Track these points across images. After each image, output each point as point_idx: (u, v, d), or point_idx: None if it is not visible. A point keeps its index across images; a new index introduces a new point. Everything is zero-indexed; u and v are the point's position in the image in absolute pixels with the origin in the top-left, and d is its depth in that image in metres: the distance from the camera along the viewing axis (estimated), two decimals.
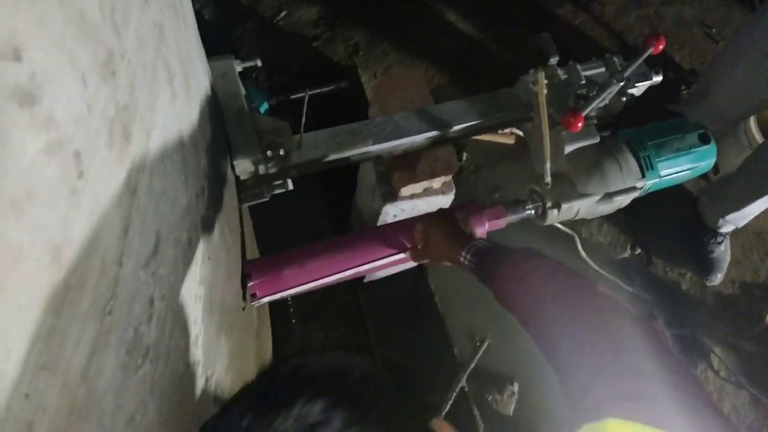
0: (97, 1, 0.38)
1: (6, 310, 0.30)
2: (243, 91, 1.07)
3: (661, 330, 0.61)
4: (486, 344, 1.75)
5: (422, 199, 1.32)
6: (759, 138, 1.89)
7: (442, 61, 2.15)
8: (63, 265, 0.35)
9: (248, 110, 1.05)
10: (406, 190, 1.28)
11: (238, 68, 1.10)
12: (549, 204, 1.13)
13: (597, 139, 1.15)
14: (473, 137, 1.89)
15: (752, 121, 1.91)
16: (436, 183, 1.30)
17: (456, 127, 1.16)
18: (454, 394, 1.66)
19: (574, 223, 1.96)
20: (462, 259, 0.91)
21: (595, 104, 1.09)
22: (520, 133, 1.95)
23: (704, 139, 1.20)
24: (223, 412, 0.48)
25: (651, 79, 1.24)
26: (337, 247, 1.10)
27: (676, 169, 1.18)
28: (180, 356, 0.64)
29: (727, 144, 1.99)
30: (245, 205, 1.16)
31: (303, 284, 1.06)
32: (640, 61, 1.09)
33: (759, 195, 1.70)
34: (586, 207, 1.16)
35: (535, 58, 1.22)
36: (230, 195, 0.99)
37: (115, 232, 0.42)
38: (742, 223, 1.87)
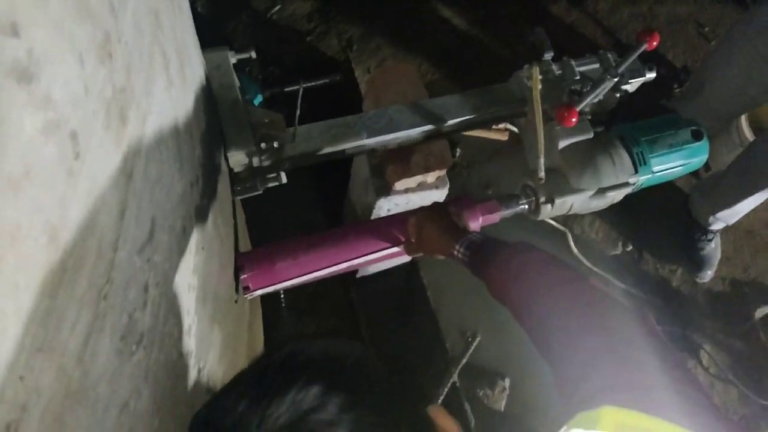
0: None
1: (3, 290, 0.30)
2: (237, 82, 1.07)
3: (653, 323, 0.62)
4: (478, 340, 1.76)
5: (416, 194, 1.32)
6: (750, 136, 1.91)
7: (436, 56, 2.16)
8: (60, 246, 0.34)
9: (242, 102, 1.05)
10: (400, 184, 1.27)
11: (233, 60, 1.09)
12: (542, 199, 1.14)
13: (591, 135, 1.15)
14: (467, 133, 1.90)
15: (744, 120, 1.93)
16: (430, 177, 1.30)
17: (450, 122, 1.17)
18: (446, 389, 1.67)
19: (567, 220, 1.97)
20: (456, 253, 0.91)
21: (589, 100, 1.10)
22: (514, 128, 1.96)
23: (697, 136, 1.21)
24: (218, 398, 0.48)
25: (644, 75, 1.25)
26: (331, 240, 1.10)
27: (668, 165, 1.19)
28: (173, 345, 0.63)
29: (718, 142, 2.01)
30: (238, 198, 1.16)
31: (296, 277, 1.06)
32: (634, 57, 1.10)
33: (749, 192, 1.72)
34: (579, 202, 1.16)
35: (530, 53, 1.22)
36: (224, 186, 0.99)
37: (111, 216, 0.41)
38: (732, 221, 1.89)
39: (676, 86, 2.24)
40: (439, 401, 1.64)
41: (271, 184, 1.09)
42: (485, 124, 1.25)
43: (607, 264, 1.94)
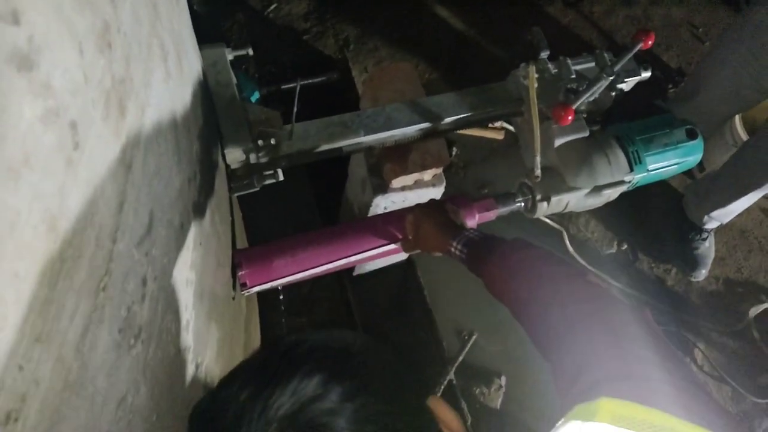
0: None
1: (3, 278, 0.29)
2: (234, 79, 1.06)
3: (651, 318, 0.62)
4: (474, 338, 1.76)
5: (413, 192, 1.33)
6: (744, 136, 1.92)
7: (433, 56, 2.16)
8: (59, 236, 0.34)
9: (239, 99, 1.04)
10: (397, 182, 1.28)
11: (230, 57, 1.09)
12: (539, 197, 1.14)
13: (587, 133, 1.16)
14: (463, 132, 1.90)
15: (737, 120, 1.94)
16: (427, 175, 1.30)
17: (447, 120, 1.17)
18: (442, 387, 1.67)
19: (562, 219, 1.97)
20: (453, 250, 0.91)
21: (585, 98, 1.10)
22: (510, 127, 1.97)
23: (691, 135, 1.22)
24: (220, 388, 0.48)
25: (640, 74, 1.25)
26: (328, 237, 1.10)
27: (663, 163, 1.19)
28: (171, 340, 0.63)
29: (712, 142, 2.02)
30: (235, 195, 1.15)
31: (293, 274, 1.06)
32: (630, 56, 1.10)
33: (743, 192, 1.73)
34: (575, 200, 1.16)
35: (526, 53, 1.22)
36: (221, 183, 0.99)
37: (110, 207, 0.41)
38: (726, 220, 1.90)
39: (670, 87, 2.25)
40: None
41: (268, 181, 1.09)
42: (482, 123, 1.26)
43: (602, 263, 1.95)
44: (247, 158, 1.04)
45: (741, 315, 1.96)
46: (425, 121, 1.15)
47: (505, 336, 1.74)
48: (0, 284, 0.29)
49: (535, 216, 1.18)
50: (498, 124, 1.99)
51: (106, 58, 0.39)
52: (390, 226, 1.10)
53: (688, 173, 2.08)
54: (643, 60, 1.25)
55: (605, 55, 1.22)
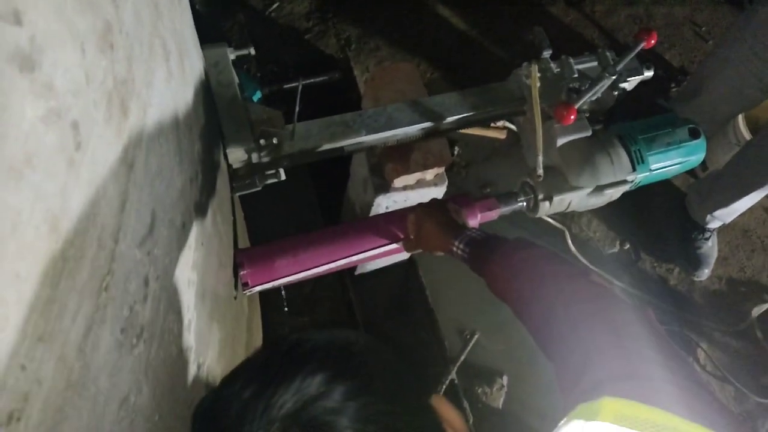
0: None
1: (4, 278, 0.29)
2: (236, 79, 1.06)
3: (654, 318, 0.62)
4: (476, 337, 1.76)
5: (415, 191, 1.32)
6: (747, 135, 1.91)
7: (435, 55, 2.16)
8: (61, 236, 0.34)
9: (241, 99, 1.04)
10: (398, 182, 1.28)
11: (232, 56, 1.09)
12: (541, 196, 1.14)
13: (589, 132, 1.16)
14: (465, 131, 1.90)
15: (740, 119, 1.94)
16: (429, 175, 1.30)
17: (449, 119, 1.17)
18: (444, 386, 1.67)
19: (564, 219, 1.97)
20: (455, 249, 0.91)
21: (587, 97, 1.10)
22: (512, 126, 1.96)
23: (694, 134, 1.22)
24: (223, 385, 0.48)
25: (642, 73, 1.25)
26: (330, 237, 1.10)
27: (666, 163, 1.19)
28: (173, 340, 0.63)
29: (715, 141, 2.01)
30: (237, 195, 1.16)
31: (295, 274, 1.06)
32: (632, 55, 1.10)
33: (746, 191, 1.72)
34: (577, 200, 1.16)
35: (528, 52, 1.22)
36: (223, 183, 0.99)
37: (112, 207, 0.41)
38: (729, 219, 1.89)
39: (673, 86, 2.25)
40: None
41: (269, 181, 1.09)
42: (484, 123, 1.25)
43: (604, 262, 1.95)
44: (249, 158, 1.04)
45: (744, 314, 1.95)
46: (427, 121, 1.15)
47: (507, 335, 1.74)
48: (1, 285, 0.29)
49: (537, 215, 1.17)
50: (500, 123, 1.98)
51: (107, 58, 0.39)
52: (392, 225, 1.10)
53: (691, 172, 2.08)
54: (646, 59, 1.25)
55: (608, 54, 1.21)
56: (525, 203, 1.17)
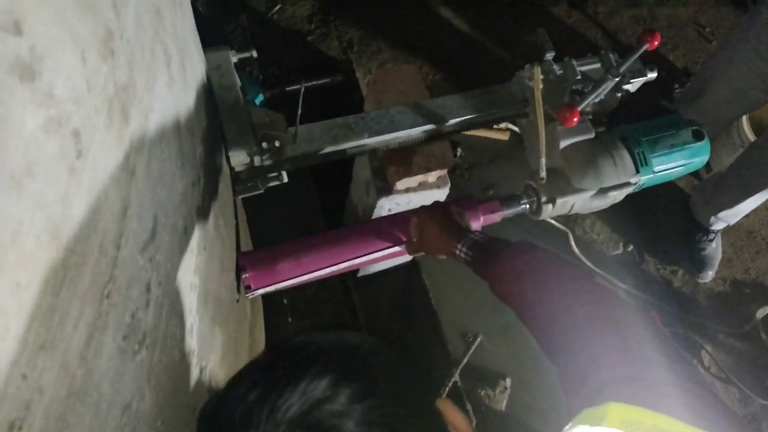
0: None
1: (5, 288, 0.29)
2: (238, 82, 1.06)
3: (658, 320, 0.61)
4: (479, 340, 1.76)
5: (417, 193, 1.32)
6: (751, 137, 1.91)
7: (437, 57, 2.16)
8: (62, 244, 0.34)
9: (243, 102, 1.04)
10: (401, 184, 1.27)
11: (234, 59, 1.09)
12: (544, 199, 1.13)
13: (592, 135, 1.15)
14: (468, 132, 1.90)
15: (744, 120, 1.93)
16: (432, 177, 1.30)
17: (451, 122, 1.16)
18: (447, 389, 1.66)
19: (568, 220, 1.97)
20: (458, 252, 0.91)
21: (590, 99, 1.10)
22: (515, 128, 1.96)
23: (698, 136, 1.21)
24: (228, 388, 0.48)
25: (646, 75, 1.24)
26: (333, 240, 1.10)
27: (670, 165, 1.18)
28: (176, 345, 0.63)
29: (719, 143, 2.01)
30: (239, 198, 1.15)
31: (297, 277, 1.06)
32: (636, 56, 1.09)
33: (750, 193, 1.72)
34: (580, 202, 1.16)
35: (531, 54, 1.22)
36: (225, 187, 0.99)
37: (114, 213, 0.41)
38: (733, 221, 1.89)
39: (676, 87, 2.24)
40: None
41: (272, 183, 1.09)
42: (487, 125, 1.25)
43: (608, 264, 1.94)
44: (252, 161, 1.04)
45: (748, 316, 1.95)
46: (429, 123, 1.14)
47: (510, 338, 1.74)
48: (1, 294, 0.29)
49: (540, 218, 1.17)
50: (503, 125, 1.98)
51: (108, 65, 0.39)
52: (394, 228, 1.09)
53: (695, 174, 2.07)
54: (649, 60, 1.24)
55: (611, 55, 1.21)
56: (528, 206, 1.16)
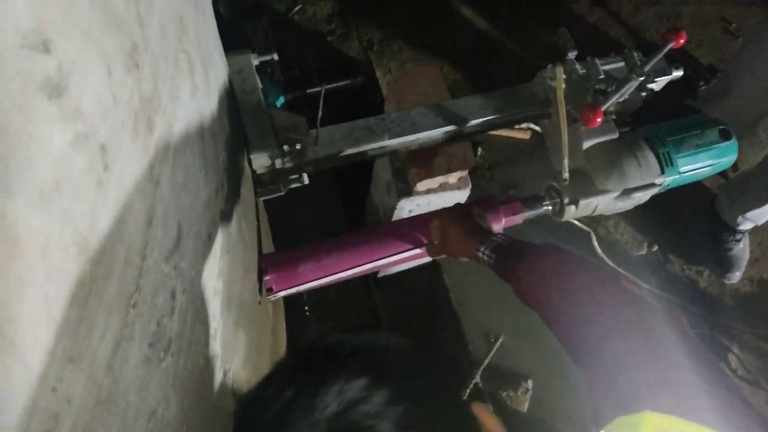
0: None
1: (34, 302, 0.30)
2: (260, 85, 1.07)
3: (686, 323, 0.60)
4: (500, 341, 1.74)
5: (438, 195, 1.32)
6: None
7: (457, 57, 2.14)
8: (89, 256, 0.35)
9: (265, 105, 1.05)
10: (421, 186, 1.27)
11: (255, 62, 1.09)
12: (566, 200, 1.12)
13: (616, 135, 1.14)
14: (488, 133, 1.88)
15: None
16: (452, 178, 1.29)
17: (473, 123, 1.16)
18: (468, 390, 1.66)
19: (590, 220, 1.94)
20: (481, 255, 0.90)
21: (614, 99, 1.08)
22: (536, 127, 1.94)
23: (725, 135, 1.19)
24: (263, 384, 0.48)
25: (671, 74, 1.22)
26: (354, 242, 1.10)
27: (696, 165, 1.16)
28: (200, 350, 0.64)
29: (746, 141, 1.96)
30: (261, 200, 1.16)
31: (319, 279, 1.06)
32: (661, 55, 1.08)
33: None
34: (604, 203, 1.14)
35: (553, 53, 1.20)
36: (248, 190, 0.99)
37: (139, 224, 0.41)
38: (762, 221, 1.84)
39: (701, 84, 2.20)
40: None
41: (293, 185, 1.10)
42: (508, 125, 1.24)
43: (632, 265, 1.91)
44: (273, 164, 1.04)
45: None
46: (450, 125, 1.14)
47: (532, 338, 1.72)
48: (31, 309, 0.29)
49: (563, 219, 1.16)
50: (524, 124, 1.96)
51: (134, 77, 0.39)
52: (415, 230, 1.09)
53: (721, 172, 2.03)
54: (674, 58, 1.22)
55: (634, 54, 1.19)
56: (550, 207, 1.15)
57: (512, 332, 1.75)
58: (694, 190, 1.99)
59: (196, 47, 0.59)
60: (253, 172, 1.05)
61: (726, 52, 2.28)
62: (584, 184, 1.12)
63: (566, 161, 1.08)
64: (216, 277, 0.70)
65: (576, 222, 1.91)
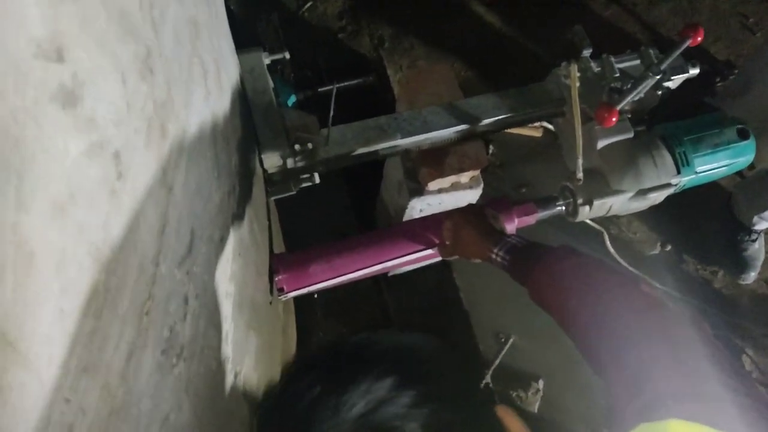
0: None
1: (49, 316, 0.29)
2: (271, 84, 1.06)
3: (709, 330, 0.59)
4: (511, 341, 1.74)
5: (450, 194, 1.31)
6: None
7: (469, 54, 2.12)
8: (103, 267, 0.34)
9: (276, 104, 1.04)
10: (433, 185, 1.26)
11: (266, 61, 1.09)
12: (581, 200, 1.11)
13: (631, 134, 1.12)
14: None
15: None
16: (464, 178, 1.28)
17: (485, 121, 1.15)
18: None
19: (603, 219, 1.92)
20: (494, 257, 0.89)
21: (629, 98, 1.06)
22: (549, 125, 1.92)
23: (743, 135, 1.17)
24: (290, 382, 0.48)
25: (687, 71, 1.20)
26: (365, 242, 1.09)
27: (713, 165, 1.14)
28: (212, 354, 0.63)
29: (764, 140, 1.93)
30: (272, 199, 1.16)
31: (330, 279, 1.06)
32: (678, 53, 1.06)
33: None
34: (618, 204, 1.13)
35: (566, 50, 1.19)
36: (259, 191, 0.99)
37: (152, 231, 0.41)
38: None
39: (718, 80, 2.16)
40: None
41: (304, 185, 1.10)
42: (522, 125, 1.23)
43: (646, 265, 1.89)
44: (285, 163, 1.04)
45: None
46: (462, 124, 1.13)
47: (543, 339, 1.71)
48: (46, 323, 0.29)
49: (577, 220, 1.15)
50: (537, 123, 1.95)
51: (148, 83, 0.39)
52: (427, 231, 1.08)
53: (737, 171, 2.00)
54: (691, 55, 1.20)
55: (651, 51, 1.17)
56: (564, 207, 1.14)
57: (523, 332, 1.74)
58: (708, 188, 1.95)
59: (209, 50, 0.59)
60: (265, 171, 1.04)
61: (744, 48, 2.25)
62: (599, 184, 1.11)
63: (580, 161, 1.06)
64: (228, 279, 0.70)
65: (589, 221, 1.90)
